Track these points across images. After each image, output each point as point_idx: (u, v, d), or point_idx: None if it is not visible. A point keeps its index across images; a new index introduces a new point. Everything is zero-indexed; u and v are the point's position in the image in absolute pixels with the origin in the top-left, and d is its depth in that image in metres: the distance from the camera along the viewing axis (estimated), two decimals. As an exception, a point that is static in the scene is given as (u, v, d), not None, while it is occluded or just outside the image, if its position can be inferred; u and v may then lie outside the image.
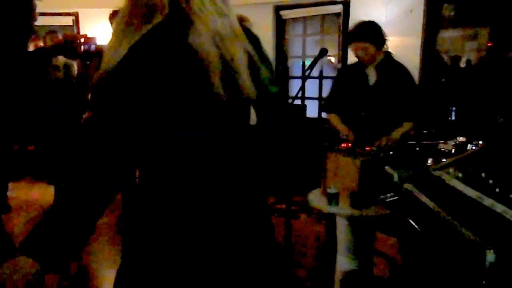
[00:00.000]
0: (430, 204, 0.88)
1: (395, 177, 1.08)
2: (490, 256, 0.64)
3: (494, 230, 0.72)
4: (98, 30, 4.73)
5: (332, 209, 2.00)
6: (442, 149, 2.34)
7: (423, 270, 1.45)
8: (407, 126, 2.21)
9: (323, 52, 2.09)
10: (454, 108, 4.19)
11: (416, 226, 0.96)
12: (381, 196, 1.24)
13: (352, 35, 2.26)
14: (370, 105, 2.25)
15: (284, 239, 2.11)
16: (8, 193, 3.90)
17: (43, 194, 4.23)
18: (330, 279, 2.50)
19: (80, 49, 1.76)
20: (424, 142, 2.25)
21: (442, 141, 2.34)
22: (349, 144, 2.21)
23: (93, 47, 1.77)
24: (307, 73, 2.20)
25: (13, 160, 3.79)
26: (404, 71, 2.28)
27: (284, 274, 2.38)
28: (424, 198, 0.92)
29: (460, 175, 0.95)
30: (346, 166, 2.12)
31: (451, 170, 0.99)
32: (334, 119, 2.42)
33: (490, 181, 0.86)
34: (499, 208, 0.74)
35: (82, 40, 1.78)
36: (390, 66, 2.27)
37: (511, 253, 0.64)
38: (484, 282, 0.65)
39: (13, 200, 3.95)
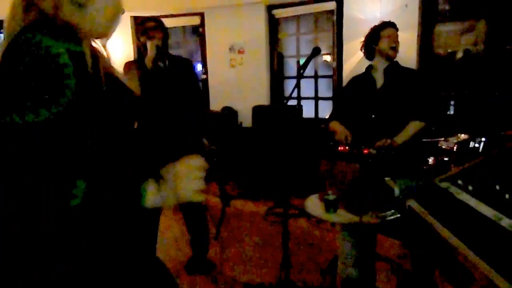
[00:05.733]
0: (438, 227, 0.77)
1: (396, 192, 0.97)
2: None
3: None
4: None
5: (330, 217, 1.89)
6: (444, 147, 2.22)
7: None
8: (416, 126, 2.12)
9: (316, 51, 1.98)
10: (452, 103, 4.10)
11: (424, 252, 0.85)
12: (381, 214, 1.12)
13: (390, 22, 2.26)
14: (378, 108, 2.20)
15: (282, 243, 2.01)
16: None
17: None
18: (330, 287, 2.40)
19: None
20: (424, 139, 2.14)
21: (442, 138, 2.23)
22: (346, 148, 2.11)
23: None
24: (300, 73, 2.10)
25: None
26: (414, 73, 2.28)
27: (281, 279, 2.27)
28: (430, 219, 0.81)
29: (470, 187, 0.83)
30: (343, 171, 2.01)
31: (459, 181, 0.87)
32: (334, 124, 2.30)
33: (507, 196, 0.75)
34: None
35: None
36: (398, 71, 2.25)
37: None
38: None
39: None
